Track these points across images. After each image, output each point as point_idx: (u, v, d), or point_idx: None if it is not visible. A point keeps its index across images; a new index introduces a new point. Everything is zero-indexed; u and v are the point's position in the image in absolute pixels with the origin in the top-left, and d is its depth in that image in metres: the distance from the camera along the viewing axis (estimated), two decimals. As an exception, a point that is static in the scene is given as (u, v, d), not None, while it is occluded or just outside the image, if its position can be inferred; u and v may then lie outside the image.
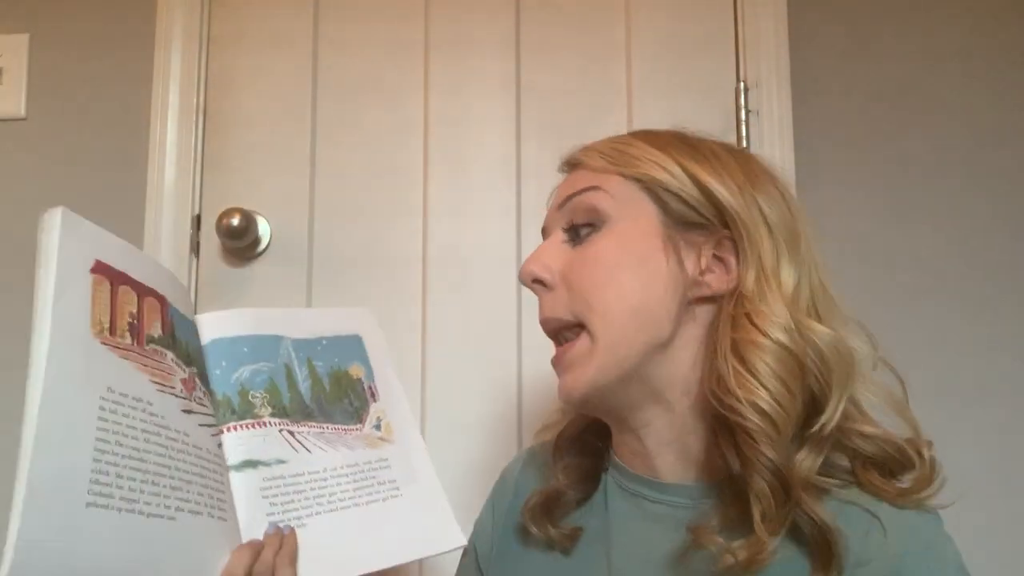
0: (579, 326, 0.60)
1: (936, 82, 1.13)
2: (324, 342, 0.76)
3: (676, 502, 0.60)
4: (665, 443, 0.60)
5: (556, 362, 0.62)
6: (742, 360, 0.54)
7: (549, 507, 0.66)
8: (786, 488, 0.52)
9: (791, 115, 1.10)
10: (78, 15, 1.23)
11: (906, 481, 0.55)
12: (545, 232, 0.67)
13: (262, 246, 1.16)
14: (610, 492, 0.65)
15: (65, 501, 0.49)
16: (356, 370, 0.77)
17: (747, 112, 1.11)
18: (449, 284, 1.14)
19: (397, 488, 0.72)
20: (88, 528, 0.49)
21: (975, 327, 1.07)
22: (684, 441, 0.60)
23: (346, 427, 0.73)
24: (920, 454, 0.56)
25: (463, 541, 0.72)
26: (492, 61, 1.18)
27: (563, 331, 0.62)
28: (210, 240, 1.15)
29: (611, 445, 0.67)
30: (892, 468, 0.56)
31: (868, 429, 0.56)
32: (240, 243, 1.14)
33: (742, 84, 1.12)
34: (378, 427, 0.75)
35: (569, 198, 0.62)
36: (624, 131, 1.12)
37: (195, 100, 1.19)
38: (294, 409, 0.70)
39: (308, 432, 0.70)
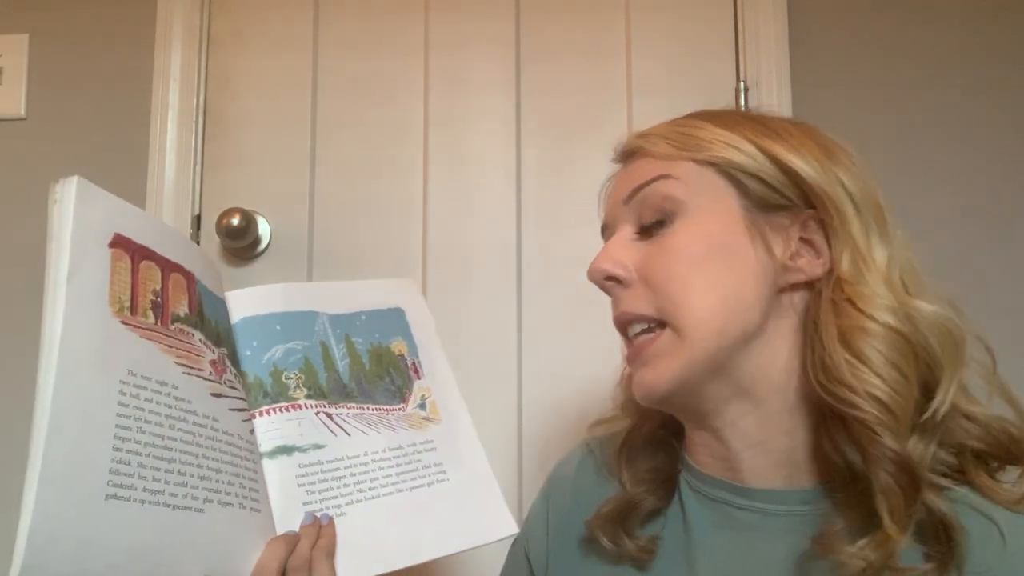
0: (659, 322, 0.55)
1: (937, 82, 1.13)
2: (363, 317, 0.71)
3: (768, 509, 0.55)
4: (752, 444, 0.56)
5: (633, 358, 0.57)
6: (850, 348, 0.50)
7: (624, 516, 0.60)
8: (913, 480, 0.48)
9: (791, 115, 1.10)
10: (78, 15, 1.23)
11: (1016, 481, 0.52)
12: (607, 229, 0.62)
13: (262, 246, 1.16)
14: (686, 498, 0.60)
15: (82, 493, 0.45)
16: (398, 346, 0.72)
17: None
18: (449, 284, 1.14)
19: (444, 472, 0.67)
20: (107, 522, 0.46)
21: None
22: (774, 441, 0.55)
23: (388, 407, 0.68)
24: None
25: (515, 529, 0.67)
26: (492, 61, 1.17)
27: (635, 325, 0.57)
28: (210, 240, 1.15)
29: (685, 446, 0.62)
30: (1000, 457, 0.53)
31: (976, 411, 0.52)
32: (240, 243, 1.14)
33: (742, 84, 1.12)
34: (423, 406, 0.70)
35: (637, 189, 0.57)
36: (624, 131, 1.13)
37: (195, 100, 1.19)
38: (331, 389, 0.66)
39: (347, 414, 0.65)
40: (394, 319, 0.74)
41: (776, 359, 0.55)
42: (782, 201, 0.54)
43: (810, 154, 0.55)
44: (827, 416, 0.52)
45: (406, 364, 0.72)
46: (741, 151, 0.54)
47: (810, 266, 0.54)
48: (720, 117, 0.58)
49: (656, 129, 0.59)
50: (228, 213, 1.11)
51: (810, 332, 0.53)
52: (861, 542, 0.48)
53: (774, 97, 1.11)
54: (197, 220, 1.17)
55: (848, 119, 1.13)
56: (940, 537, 0.49)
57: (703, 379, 0.54)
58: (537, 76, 1.17)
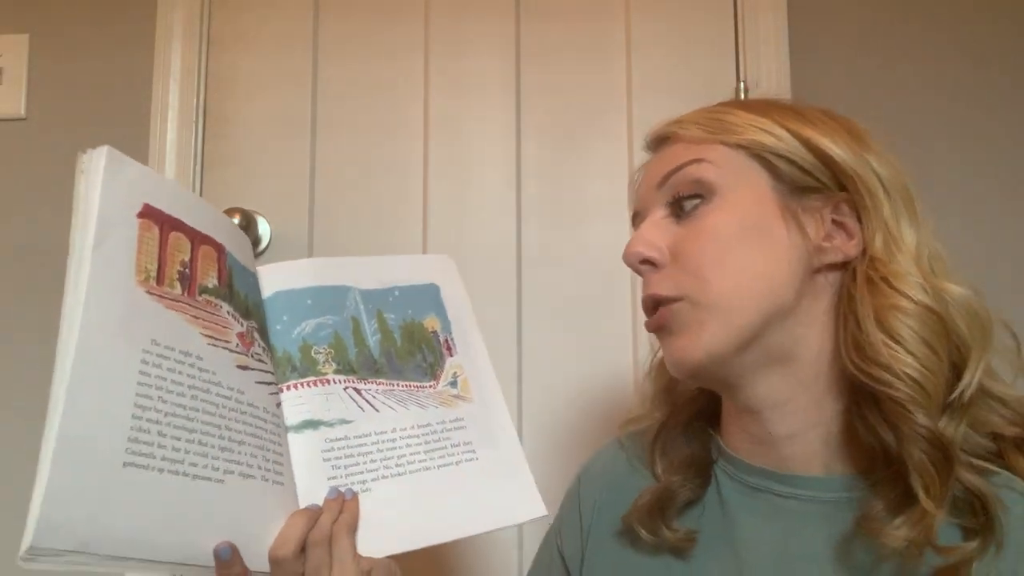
0: (680, 300, 0.56)
1: (937, 82, 1.13)
2: (396, 292, 0.71)
3: (811, 496, 0.55)
4: (798, 430, 0.56)
5: (655, 328, 0.58)
6: (884, 326, 0.51)
7: (662, 507, 0.60)
8: (947, 456, 0.49)
9: (791, 115, 1.10)
10: (78, 15, 1.23)
11: None
12: (638, 216, 0.62)
13: (262, 246, 1.16)
14: (724, 487, 0.60)
15: (99, 458, 0.46)
16: (431, 322, 0.71)
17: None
18: (449, 284, 1.14)
19: (473, 451, 0.66)
20: (125, 489, 0.46)
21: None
22: (815, 427, 0.56)
23: (418, 384, 0.67)
24: None
25: (544, 511, 0.66)
26: (492, 61, 1.17)
27: (662, 304, 0.57)
28: (210, 240, 1.15)
29: (719, 433, 0.63)
30: None
31: (1005, 391, 0.53)
32: (240, 243, 1.14)
33: (742, 84, 1.12)
34: (454, 384, 0.70)
35: (670, 174, 0.57)
36: (624, 130, 1.14)
37: (195, 100, 1.19)
38: (361, 365, 0.65)
39: (376, 390, 0.65)
40: (428, 295, 0.73)
41: (810, 339, 0.55)
42: (814, 183, 0.55)
43: (841, 139, 0.55)
44: (860, 396, 0.53)
45: (439, 341, 0.71)
46: (772, 134, 0.55)
47: (844, 246, 0.55)
48: (751, 104, 0.59)
49: (688, 116, 0.60)
50: (228, 213, 1.11)
51: (843, 312, 0.54)
52: (898, 520, 0.49)
53: (773, 97, 1.11)
54: (197, 220, 1.17)
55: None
56: (978, 512, 0.49)
57: (734, 352, 0.54)
58: (537, 76, 1.17)
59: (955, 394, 0.51)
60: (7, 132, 1.22)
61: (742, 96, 1.12)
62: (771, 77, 1.11)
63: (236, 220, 1.10)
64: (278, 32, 1.20)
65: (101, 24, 1.22)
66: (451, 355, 0.71)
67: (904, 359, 0.50)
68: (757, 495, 0.58)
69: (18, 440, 1.12)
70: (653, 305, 0.58)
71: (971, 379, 0.51)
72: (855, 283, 0.53)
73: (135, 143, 1.18)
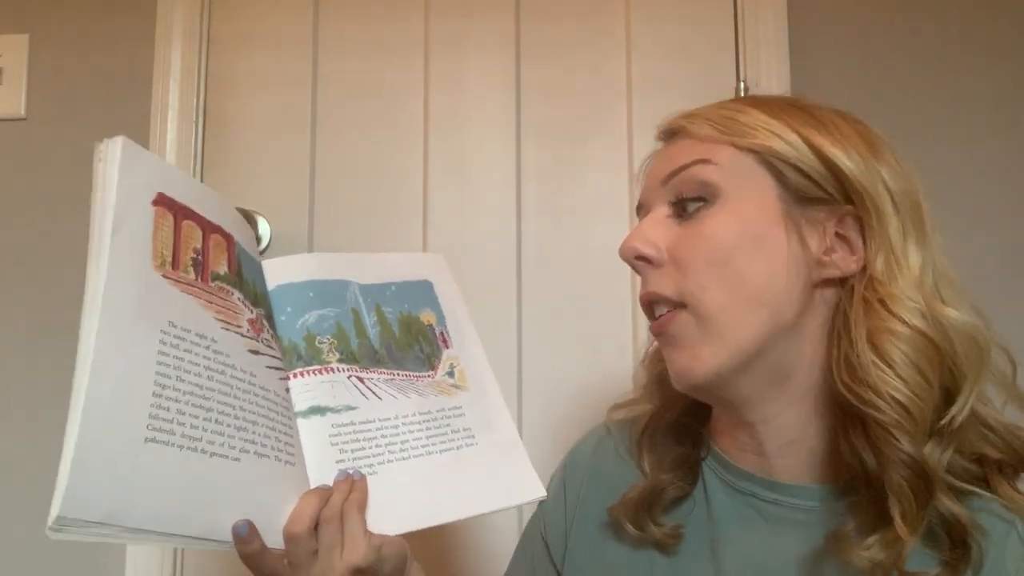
0: (681, 305, 0.55)
1: (937, 81, 1.13)
2: (393, 287, 0.73)
3: (796, 504, 0.56)
4: (788, 442, 0.56)
5: (658, 333, 0.58)
6: (876, 348, 0.50)
7: (650, 503, 0.60)
8: (927, 483, 0.49)
9: (791, 115, 1.10)
10: (78, 15, 1.23)
11: None
12: (642, 208, 0.61)
13: (262, 246, 1.16)
14: (711, 486, 0.60)
15: (122, 434, 0.47)
16: (427, 316, 0.74)
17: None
18: (449, 284, 1.14)
19: (472, 436, 0.68)
20: (147, 463, 0.48)
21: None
22: (806, 440, 0.55)
23: (417, 374, 0.70)
24: None
25: (543, 493, 0.68)
26: (492, 61, 1.17)
27: (660, 305, 0.57)
28: (210, 240, 1.15)
29: (710, 432, 0.63)
30: (1016, 466, 0.53)
31: (995, 418, 0.53)
32: (240, 243, 1.14)
33: (742, 84, 1.12)
34: (451, 374, 0.72)
35: (675, 172, 0.56)
36: (624, 130, 1.14)
37: (195, 100, 1.19)
38: (363, 355, 0.67)
39: (378, 378, 0.67)
40: (423, 291, 0.75)
41: (805, 354, 0.54)
42: (821, 194, 0.54)
43: (854, 148, 0.54)
44: (847, 415, 0.52)
45: (434, 334, 0.74)
46: (784, 140, 0.54)
47: (844, 262, 0.54)
48: (767, 103, 0.57)
49: (701, 110, 0.58)
50: (228, 213, 1.11)
51: (839, 329, 0.53)
52: (870, 540, 0.49)
53: (774, 97, 1.11)
54: (197, 220, 1.17)
55: (848, 119, 1.13)
56: (955, 539, 0.49)
57: (739, 371, 0.54)
58: (537, 76, 1.17)
59: (945, 420, 0.51)
60: (7, 132, 1.22)
61: (741, 96, 1.12)
62: (771, 77, 1.11)
63: (236, 220, 1.10)
64: (278, 32, 1.20)
65: (101, 24, 1.22)
66: (447, 347, 0.73)
67: (893, 383, 0.49)
68: (743, 498, 0.58)
69: (17, 438, 1.12)
70: (649, 303, 0.58)
71: (962, 406, 0.51)
72: (852, 301, 0.52)
73: (135, 143, 1.18)
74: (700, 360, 0.54)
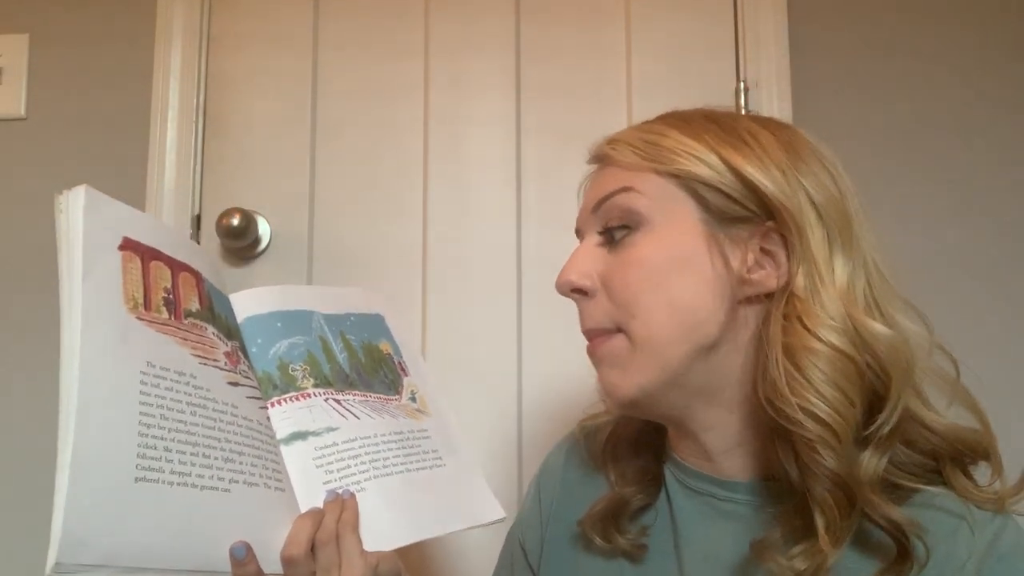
0: (618, 330, 0.57)
1: (937, 81, 1.13)
2: (352, 318, 0.76)
3: (748, 500, 0.57)
4: (729, 447, 0.58)
5: (591, 353, 0.60)
6: (796, 366, 0.51)
7: (615, 515, 0.62)
8: (850, 497, 0.50)
9: (791, 115, 1.10)
10: (78, 15, 1.23)
11: (990, 482, 0.54)
12: (579, 233, 0.63)
13: (262, 246, 1.16)
14: (672, 490, 0.62)
15: (112, 476, 0.48)
16: (384, 346, 0.77)
17: (747, 112, 1.11)
18: (449, 284, 1.14)
19: (440, 458, 0.71)
20: (139, 502, 0.49)
21: (980, 328, 1.07)
22: (748, 443, 0.57)
23: (387, 396, 0.72)
24: (989, 450, 0.54)
25: (503, 514, 0.71)
26: (492, 61, 1.17)
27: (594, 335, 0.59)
28: (210, 240, 1.15)
29: (668, 440, 0.64)
30: (968, 457, 0.54)
31: (931, 421, 0.53)
32: (240, 243, 1.14)
33: (742, 84, 1.12)
34: (413, 399, 0.75)
35: (602, 201, 0.58)
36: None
37: (195, 100, 1.19)
38: (336, 379, 0.69)
39: (353, 400, 0.69)
40: (376, 323, 0.78)
41: (735, 370, 0.56)
42: (743, 213, 0.54)
43: (774, 163, 0.54)
44: (774, 428, 0.53)
45: (394, 362, 0.76)
46: (704, 162, 0.55)
47: (767, 278, 0.54)
48: (687, 123, 0.58)
49: (624, 135, 0.60)
50: (228, 213, 1.11)
51: (763, 345, 0.54)
52: (795, 550, 0.50)
53: (774, 97, 1.11)
54: (197, 220, 1.17)
55: (848, 119, 1.13)
56: (892, 539, 0.50)
57: (663, 389, 0.56)
58: (537, 76, 1.17)
59: (872, 429, 0.51)
60: (7, 132, 1.22)
61: (742, 96, 1.12)
62: (771, 77, 1.11)
63: (236, 220, 1.10)
64: (278, 32, 1.20)
65: (101, 24, 1.22)
66: (405, 375, 0.76)
67: (812, 399, 0.50)
68: (701, 498, 0.60)
69: (16, 437, 1.12)
70: (590, 336, 0.60)
71: (888, 416, 0.51)
72: (774, 317, 0.53)
73: (135, 143, 1.18)
74: (627, 378, 0.56)
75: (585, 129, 1.14)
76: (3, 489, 1.12)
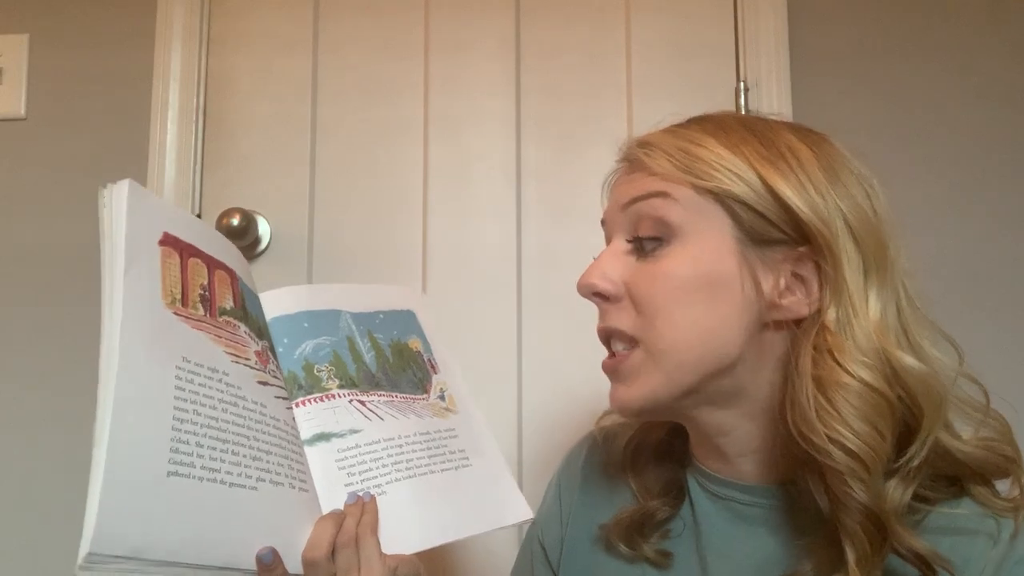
0: (636, 341, 0.56)
1: (937, 81, 1.13)
2: (381, 316, 0.76)
3: (770, 504, 0.57)
4: (751, 450, 0.57)
5: (609, 371, 0.59)
6: (827, 398, 0.50)
7: (641, 525, 0.62)
8: (880, 529, 0.49)
9: (791, 115, 1.10)
10: (78, 15, 1.23)
11: (1009, 493, 0.53)
12: (605, 227, 0.62)
13: (262, 246, 1.16)
14: (695, 495, 0.62)
15: (146, 470, 0.48)
16: (414, 343, 0.76)
17: (747, 112, 1.11)
18: (449, 284, 1.14)
19: (467, 458, 0.71)
20: (170, 497, 0.49)
21: (981, 331, 1.07)
22: (767, 450, 0.57)
23: (413, 396, 0.72)
24: (1012, 473, 0.53)
25: (531, 514, 0.71)
26: (492, 61, 1.17)
27: (616, 340, 0.59)
28: (210, 240, 1.15)
29: (689, 446, 0.64)
30: (992, 475, 0.54)
31: (958, 449, 0.52)
32: (240, 243, 1.14)
33: (742, 84, 1.12)
34: (442, 397, 0.74)
35: (635, 200, 0.57)
36: (624, 130, 1.14)
37: (195, 100, 1.19)
38: (361, 379, 0.69)
39: (378, 400, 0.69)
40: (408, 320, 0.78)
41: (758, 384, 0.55)
42: (778, 236, 0.53)
43: (813, 185, 0.53)
44: (803, 458, 0.52)
45: (423, 360, 0.76)
46: (743, 180, 0.53)
47: (797, 306, 0.53)
48: (725, 132, 0.56)
49: (658, 140, 0.57)
50: (228, 213, 1.11)
51: (791, 371, 0.53)
52: None
53: (774, 97, 1.11)
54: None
55: (848, 119, 1.13)
56: (923, 569, 0.49)
57: (672, 400, 0.56)
58: (537, 76, 1.17)
59: (902, 461, 0.50)
60: (7, 132, 1.22)
61: (742, 96, 1.12)
62: (771, 77, 1.11)
63: (236, 220, 1.10)
64: (278, 32, 1.20)
65: (101, 24, 1.22)
66: (435, 372, 0.76)
67: (843, 432, 0.49)
68: (723, 503, 0.60)
69: (17, 439, 1.12)
70: (607, 336, 0.59)
71: (917, 451, 0.50)
72: (803, 347, 0.52)
73: (135, 143, 1.18)
74: (634, 390, 0.56)
75: (585, 129, 1.15)
76: (10, 487, 1.12)
